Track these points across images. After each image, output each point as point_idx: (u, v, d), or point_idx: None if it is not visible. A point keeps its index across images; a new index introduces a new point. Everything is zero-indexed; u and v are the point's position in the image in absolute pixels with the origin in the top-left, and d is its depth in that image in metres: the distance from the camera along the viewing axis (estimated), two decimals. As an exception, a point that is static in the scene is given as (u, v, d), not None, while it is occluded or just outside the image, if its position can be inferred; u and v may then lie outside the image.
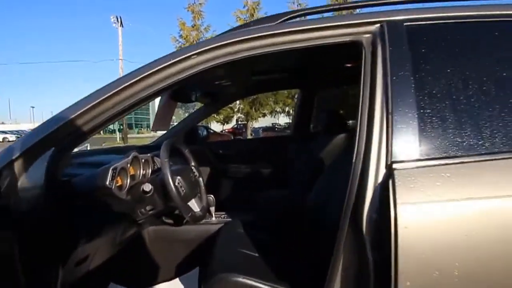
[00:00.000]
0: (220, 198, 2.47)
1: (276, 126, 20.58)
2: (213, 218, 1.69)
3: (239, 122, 17.66)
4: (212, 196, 1.66)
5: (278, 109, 15.63)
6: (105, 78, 14.12)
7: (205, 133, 2.91)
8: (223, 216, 1.73)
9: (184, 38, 13.21)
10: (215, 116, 13.35)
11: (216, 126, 15.96)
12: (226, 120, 15.10)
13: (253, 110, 13.61)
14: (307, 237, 1.33)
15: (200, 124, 3.05)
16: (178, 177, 1.30)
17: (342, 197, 0.76)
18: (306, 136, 2.53)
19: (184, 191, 1.31)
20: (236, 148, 2.73)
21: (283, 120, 21.01)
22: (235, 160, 2.68)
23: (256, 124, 17.25)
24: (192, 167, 1.54)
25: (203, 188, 1.59)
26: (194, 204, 1.46)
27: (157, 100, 1.56)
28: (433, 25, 0.83)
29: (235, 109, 14.21)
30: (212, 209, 1.66)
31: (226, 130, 16.30)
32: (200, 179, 1.57)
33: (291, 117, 16.13)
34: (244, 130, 15.78)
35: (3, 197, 0.81)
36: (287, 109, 15.25)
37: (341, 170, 0.97)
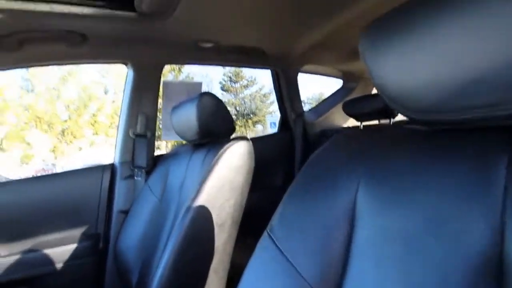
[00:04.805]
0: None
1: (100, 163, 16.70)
2: None
3: (46, 162, 13.25)
4: None
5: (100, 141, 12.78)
6: None
7: None
8: None
9: None
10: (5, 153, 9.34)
11: (13, 170, 11.27)
12: (25, 161, 10.92)
13: (64, 144, 10.40)
14: None
15: None
16: None
17: None
18: None
19: None
20: None
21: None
22: None
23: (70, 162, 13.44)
24: None
25: None
26: None
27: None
28: None
29: (34, 145, 10.42)
30: None
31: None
32: None
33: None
34: (53, 171, 11.86)
35: None
36: (111, 140, 12.74)
37: None
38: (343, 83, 2.36)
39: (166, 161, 1.28)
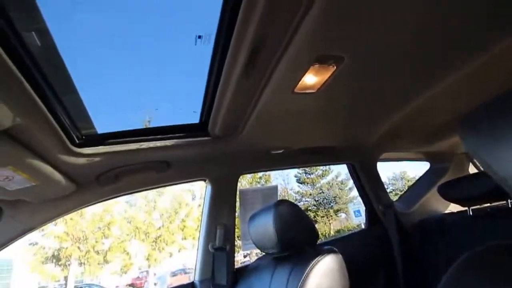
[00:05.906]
0: None
1: (188, 269, 16.38)
2: None
3: (141, 270, 14.02)
4: None
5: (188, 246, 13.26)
6: None
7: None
8: None
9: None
10: (108, 264, 10.25)
11: (114, 280, 12.20)
12: (124, 270, 11.74)
13: (157, 251, 11.06)
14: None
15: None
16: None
17: None
18: None
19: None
20: None
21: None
22: None
23: (161, 269, 13.95)
24: None
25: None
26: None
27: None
28: None
29: (133, 254, 11.30)
30: None
31: (126, 285, 12.55)
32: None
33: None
34: (146, 278, 12.40)
35: None
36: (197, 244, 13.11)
37: None
38: (431, 164, 2.09)
39: (247, 278, 1.18)
